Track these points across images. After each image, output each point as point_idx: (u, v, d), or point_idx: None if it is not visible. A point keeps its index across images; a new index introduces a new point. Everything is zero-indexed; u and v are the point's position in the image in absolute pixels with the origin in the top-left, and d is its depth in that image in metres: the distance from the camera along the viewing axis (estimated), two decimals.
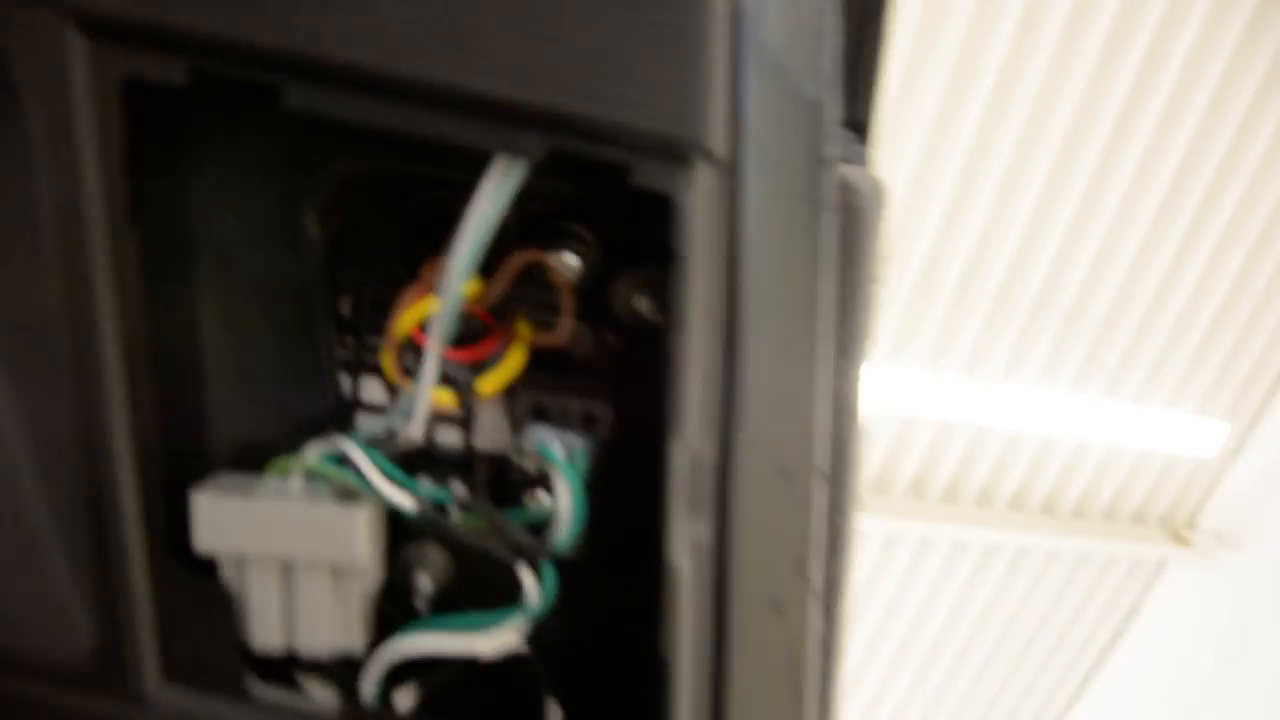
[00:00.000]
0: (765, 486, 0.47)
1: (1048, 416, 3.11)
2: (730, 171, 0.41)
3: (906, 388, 2.93)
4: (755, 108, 0.40)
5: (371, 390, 0.49)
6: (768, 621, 0.47)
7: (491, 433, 0.49)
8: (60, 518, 0.42)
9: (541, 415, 0.42)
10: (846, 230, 0.48)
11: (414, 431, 0.41)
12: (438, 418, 0.48)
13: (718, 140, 0.40)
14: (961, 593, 3.40)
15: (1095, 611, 3.61)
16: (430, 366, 0.39)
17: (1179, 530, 3.45)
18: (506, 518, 0.41)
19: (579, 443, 0.42)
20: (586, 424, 0.42)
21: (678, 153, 0.38)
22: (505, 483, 0.46)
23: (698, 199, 0.39)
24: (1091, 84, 2.48)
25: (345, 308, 0.48)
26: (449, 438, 0.49)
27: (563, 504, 0.40)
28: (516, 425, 0.42)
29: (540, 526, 0.42)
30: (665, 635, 0.40)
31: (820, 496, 0.49)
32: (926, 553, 3.27)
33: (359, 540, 0.40)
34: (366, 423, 0.43)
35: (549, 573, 0.40)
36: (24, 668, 0.43)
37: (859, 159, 0.56)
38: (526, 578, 0.40)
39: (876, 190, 0.50)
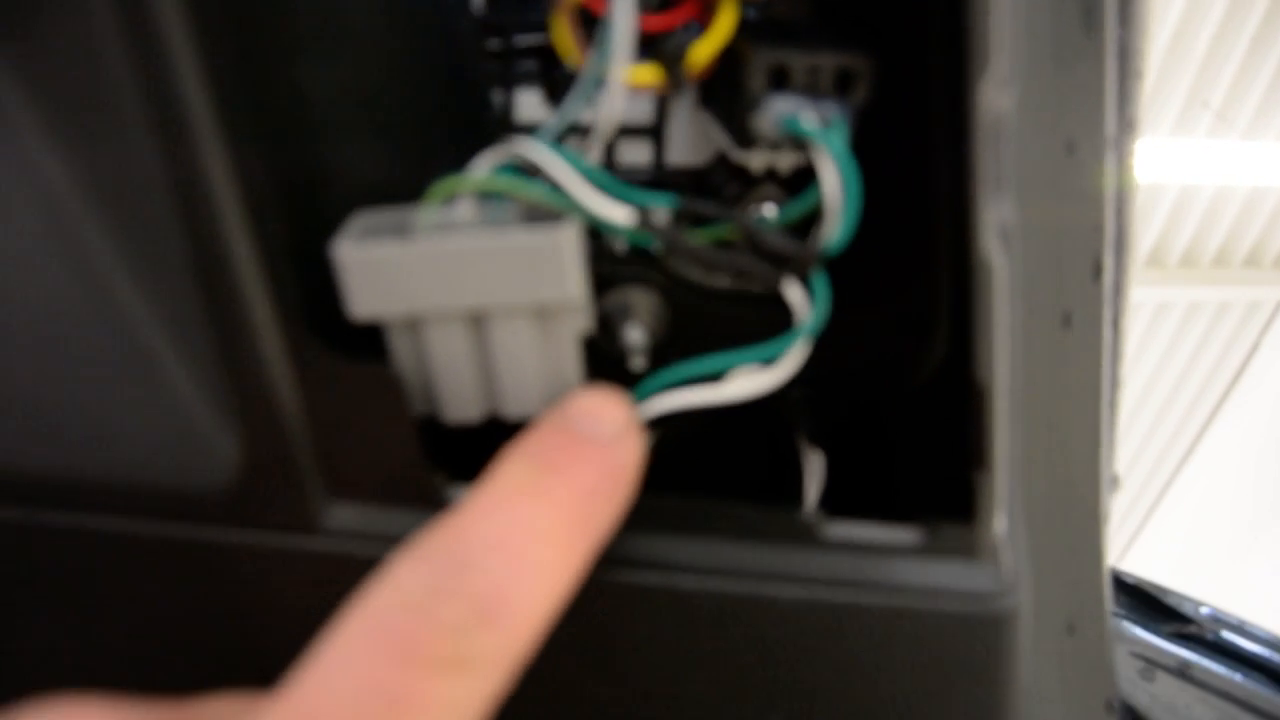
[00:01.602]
0: (1055, 161, 0.36)
1: (1150, 164, 2.89)
2: None
3: None
4: None
5: (528, 107, 0.38)
6: (1058, 332, 0.38)
7: (688, 143, 0.38)
8: (169, 320, 0.33)
9: (782, 82, 0.31)
10: None
11: (608, 112, 0.30)
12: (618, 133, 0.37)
13: None
14: None
15: (1213, 358, 3.48)
16: (624, 12, 0.28)
17: None
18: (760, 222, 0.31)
19: (835, 110, 0.31)
20: (841, 86, 0.31)
21: None
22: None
23: None
24: None
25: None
26: (633, 155, 0.39)
27: (831, 186, 0.29)
28: (749, 104, 0.31)
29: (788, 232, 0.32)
30: (978, 349, 0.31)
31: (1112, 171, 0.38)
32: None
33: (567, 266, 0.30)
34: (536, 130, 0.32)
35: (821, 283, 0.31)
36: (160, 507, 0.35)
37: None
38: (794, 294, 0.31)
39: None
